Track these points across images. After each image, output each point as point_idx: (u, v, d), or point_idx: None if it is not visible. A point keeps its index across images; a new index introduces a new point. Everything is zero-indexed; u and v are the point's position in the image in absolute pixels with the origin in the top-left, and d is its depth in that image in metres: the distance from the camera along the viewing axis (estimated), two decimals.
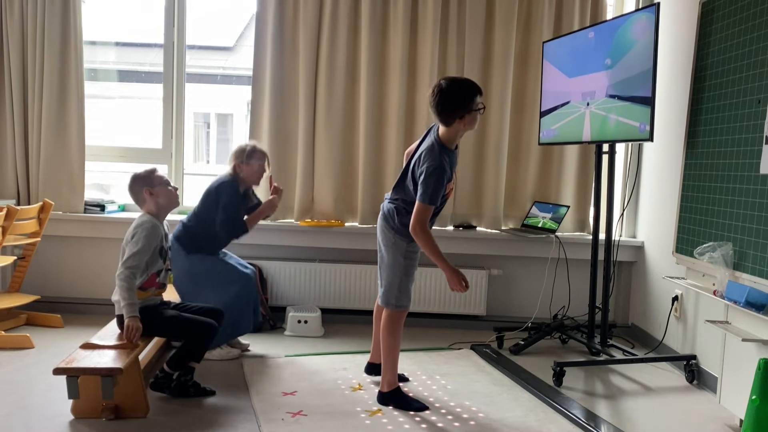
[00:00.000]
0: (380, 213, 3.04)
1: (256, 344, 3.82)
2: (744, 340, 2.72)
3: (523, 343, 3.90)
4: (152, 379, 3.04)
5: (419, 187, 2.76)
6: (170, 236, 3.26)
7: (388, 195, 3.05)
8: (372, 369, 3.27)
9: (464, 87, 2.73)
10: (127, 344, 2.83)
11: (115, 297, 2.91)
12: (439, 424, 2.82)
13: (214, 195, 3.53)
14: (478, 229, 4.43)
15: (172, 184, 3.10)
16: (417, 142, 2.99)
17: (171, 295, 3.55)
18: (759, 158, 2.88)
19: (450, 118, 2.73)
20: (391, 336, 2.97)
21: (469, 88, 2.72)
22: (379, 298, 3.06)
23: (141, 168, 3.09)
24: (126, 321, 2.84)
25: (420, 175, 2.76)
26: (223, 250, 3.67)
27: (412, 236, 2.79)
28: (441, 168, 2.72)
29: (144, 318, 2.87)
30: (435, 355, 3.77)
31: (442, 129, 2.81)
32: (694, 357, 3.50)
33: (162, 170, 4.50)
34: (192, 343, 3.00)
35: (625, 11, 4.28)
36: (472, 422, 2.85)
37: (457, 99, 2.71)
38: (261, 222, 4.28)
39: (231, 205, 3.50)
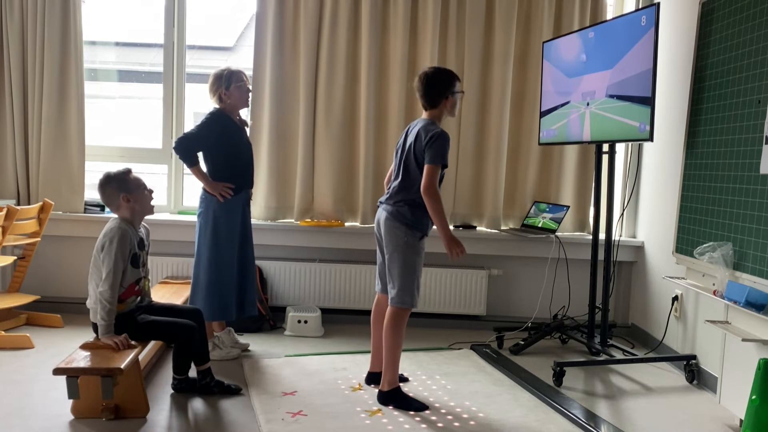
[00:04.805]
0: (382, 217, 3.03)
1: (256, 344, 3.82)
2: (744, 340, 2.72)
3: (523, 343, 3.90)
4: (172, 385, 3.07)
5: (427, 153, 2.87)
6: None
7: (382, 200, 3.08)
8: (372, 378, 3.23)
9: (447, 71, 3.02)
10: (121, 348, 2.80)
11: (94, 305, 2.85)
12: (439, 424, 2.82)
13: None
14: (478, 229, 4.43)
15: (148, 187, 2.94)
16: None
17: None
18: (759, 158, 2.88)
19: (437, 99, 2.97)
20: (395, 334, 2.97)
21: (452, 73, 3.02)
22: (390, 300, 3.01)
23: (114, 168, 2.91)
24: (104, 341, 2.76)
25: (425, 145, 2.88)
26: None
27: (424, 198, 2.85)
28: (444, 133, 2.90)
29: (119, 325, 2.81)
30: (435, 355, 3.77)
31: (427, 113, 3.02)
32: (694, 357, 3.50)
33: (162, 170, 4.52)
34: (178, 348, 2.99)
35: (625, 11, 4.28)
36: (472, 422, 2.86)
37: (443, 80, 2.97)
38: (261, 222, 4.31)
39: (191, 132, 3.39)
